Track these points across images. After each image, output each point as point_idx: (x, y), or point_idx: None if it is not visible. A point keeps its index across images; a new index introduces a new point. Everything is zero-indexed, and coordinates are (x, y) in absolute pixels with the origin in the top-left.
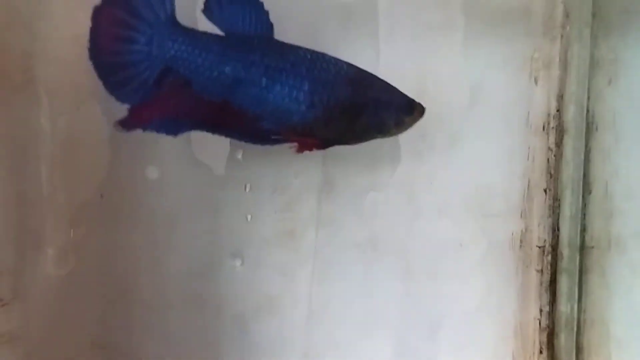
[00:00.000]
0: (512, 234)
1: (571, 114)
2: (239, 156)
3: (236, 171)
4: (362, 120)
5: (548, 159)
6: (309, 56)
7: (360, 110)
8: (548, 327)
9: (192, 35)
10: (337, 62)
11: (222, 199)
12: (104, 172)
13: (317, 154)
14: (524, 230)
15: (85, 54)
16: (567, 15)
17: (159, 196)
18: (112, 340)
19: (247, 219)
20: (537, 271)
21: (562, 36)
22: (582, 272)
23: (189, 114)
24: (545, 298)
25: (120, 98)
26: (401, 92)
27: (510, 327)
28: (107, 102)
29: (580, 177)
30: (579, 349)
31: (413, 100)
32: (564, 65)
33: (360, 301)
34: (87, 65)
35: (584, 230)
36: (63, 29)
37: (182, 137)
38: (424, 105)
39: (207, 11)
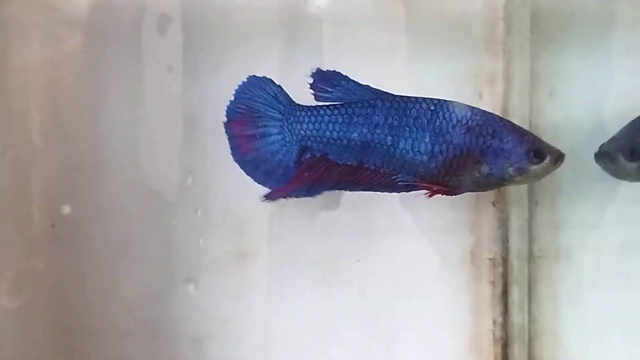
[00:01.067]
0: (463, 248)
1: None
2: (189, 181)
3: (187, 196)
4: (483, 170)
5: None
6: (432, 107)
7: (479, 159)
8: (502, 338)
9: (317, 113)
10: (462, 109)
11: (173, 224)
12: (55, 203)
13: None
14: (474, 243)
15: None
16: (507, 30)
17: (111, 223)
18: None
19: (199, 243)
20: (490, 283)
21: (504, 51)
22: (531, 282)
23: (326, 178)
24: (498, 310)
25: (271, 185)
26: (531, 139)
27: (465, 341)
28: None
29: (526, 189)
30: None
31: (541, 148)
32: (507, 80)
33: (316, 321)
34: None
35: (532, 241)
36: None
37: (133, 163)
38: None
39: (316, 97)
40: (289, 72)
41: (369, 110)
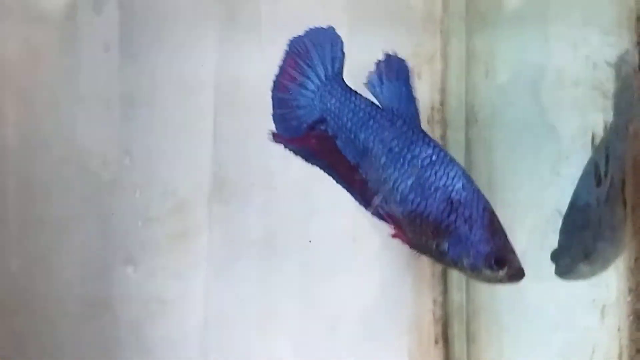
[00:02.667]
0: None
1: (452, 107)
2: (127, 161)
3: (125, 177)
4: (441, 245)
5: None
6: (433, 157)
7: (442, 234)
8: (442, 317)
9: (349, 95)
10: (456, 177)
11: (112, 205)
12: None
13: (207, 153)
14: None
15: None
16: (444, 10)
17: (48, 203)
18: (5, 351)
19: (138, 224)
20: (430, 263)
21: (441, 31)
22: None
23: (327, 158)
24: (438, 289)
25: (278, 129)
26: (499, 243)
27: (406, 320)
28: None
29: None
30: (470, 338)
31: (503, 258)
32: (445, 59)
33: (257, 301)
34: None
35: None
36: None
37: (70, 143)
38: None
39: (369, 84)
40: (226, 51)
41: (385, 123)
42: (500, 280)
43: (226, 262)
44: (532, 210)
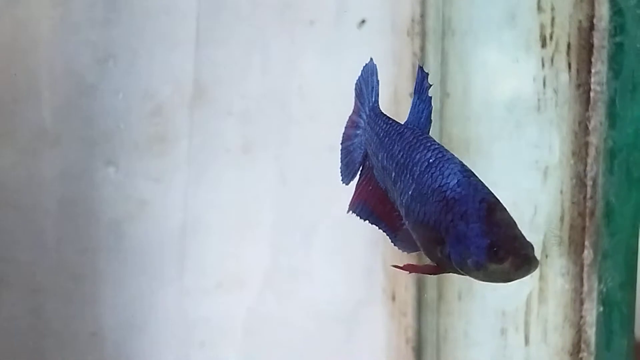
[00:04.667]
0: None
1: (431, 19)
2: (110, 64)
3: (108, 79)
4: (444, 251)
5: (413, 65)
6: (431, 160)
7: (443, 238)
8: None
9: (377, 121)
10: (452, 174)
11: (94, 106)
12: None
13: (189, 58)
14: None
15: None
16: None
17: (30, 105)
18: None
19: (120, 126)
20: None
21: None
22: None
23: (369, 200)
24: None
25: (345, 180)
26: (500, 232)
27: (381, 230)
28: None
29: (439, 81)
30: None
31: (503, 246)
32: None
33: (235, 207)
34: None
35: (441, 133)
36: None
37: (57, 45)
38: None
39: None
40: None
41: (395, 137)
42: (509, 275)
43: (205, 167)
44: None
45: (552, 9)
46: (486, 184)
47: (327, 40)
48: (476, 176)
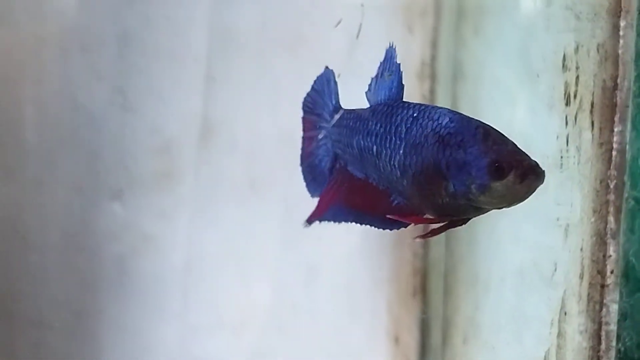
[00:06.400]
0: None
1: (442, 62)
2: (120, 99)
3: (116, 114)
4: (448, 188)
5: None
6: (415, 114)
7: (445, 175)
8: (421, 270)
9: (345, 116)
10: (441, 116)
11: (102, 141)
12: None
13: (198, 95)
14: None
15: None
16: None
17: (37, 137)
18: None
19: (126, 161)
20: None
21: None
22: None
23: (349, 199)
24: (419, 242)
25: (312, 193)
26: (498, 149)
27: (385, 270)
28: None
29: None
30: (447, 291)
31: (503, 160)
32: (437, 14)
33: (239, 244)
34: None
35: None
36: None
37: (67, 77)
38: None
39: (369, 93)
40: None
41: (368, 114)
42: (514, 191)
43: (210, 204)
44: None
45: (577, 67)
46: (507, 240)
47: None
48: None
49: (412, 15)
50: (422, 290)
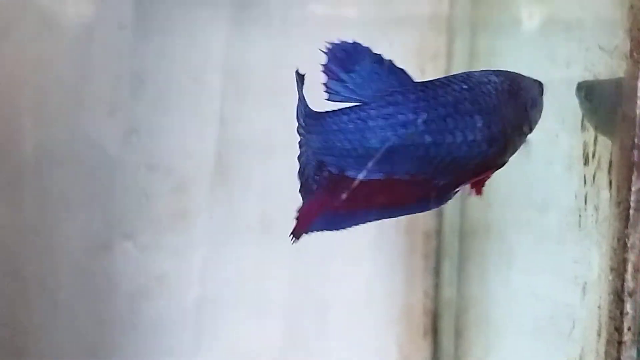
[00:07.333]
0: (399, 218)
1: None
2: (134, 138)
3: (130, 153)
4: (524, 129)
5: None
6: (465, 86)
7: (523, 122)
8: (432, 310)
9: (325, 121)
10: (488, 76)
11: (115, 180)
12: None
13: (212, 135)
14: (411, 216)
15: None
16: (451, 9)
17: (50, 175)
18: (5, 316)
19: (140, 200)
20: (423, 256)
21: (447, 30)
22: (462, 257)
23: (348, 203)
24: (430, 282)
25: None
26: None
27: (396, 310)
28: None
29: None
30: (458, 332)
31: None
32: (449, 58)
33: (251, 283)
34: None
35: (464, 217)
36: None
37: (78, 116)
38: None
39: (331, 95)
40: (236, 36)
41: (389, 109)
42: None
43: (223, 243)
44: (526, 215)
45: (596, 127)
46: (524, 294)
47: None
48: None
49: (425, 59)
50: (433, 331)
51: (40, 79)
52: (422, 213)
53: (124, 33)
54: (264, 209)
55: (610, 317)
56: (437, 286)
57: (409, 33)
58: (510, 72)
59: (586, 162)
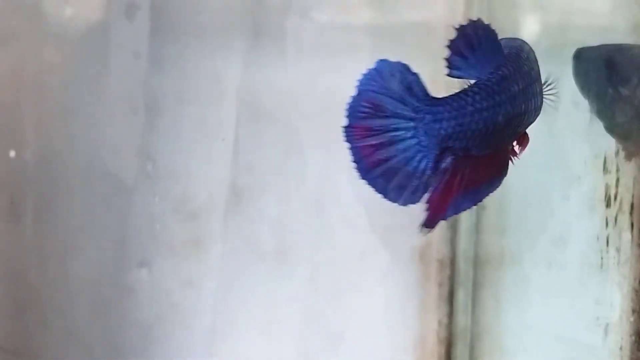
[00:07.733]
0: (413, 247)
1: None
2: (149, 167)
3: (145, 182)
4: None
5: None
6: (523, 55)
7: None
8: (446, 339)
9: (458, 104)
10: (509, 46)
11: (130, 208)
12: (14, 177)
13: (226, 164)
14: (424, 244)
15: None
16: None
17: (65, 204)
18: (16, 346)
19: (155, 228)
20: (437, 284)
21: None
22: (476, 285)
23: (473, 182)
24: (444, 310)
25: (405, 202)
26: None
27: (410, 339)
28: None
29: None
30: None
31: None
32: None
33: (264, 312)
34: None
35: (478, 245)
36: None
37: (94, 145)
38: None
39: (454, 70)
40: (251, 65)
41: (506, 83)
42: None
43: (237, 271)
44: (541, 242)
45: (617, 170)
46: (545, 335)
47: None
48: None
49: (439, 88)
50: (447, 359)
51: (55, 108)
52: (436, 240)
53: (139, 62)
54: (278, 237)
55: (632, 359)
56: (451, 315)
57: (423, 61)
58: (506, 39)
59: (608, 205)
